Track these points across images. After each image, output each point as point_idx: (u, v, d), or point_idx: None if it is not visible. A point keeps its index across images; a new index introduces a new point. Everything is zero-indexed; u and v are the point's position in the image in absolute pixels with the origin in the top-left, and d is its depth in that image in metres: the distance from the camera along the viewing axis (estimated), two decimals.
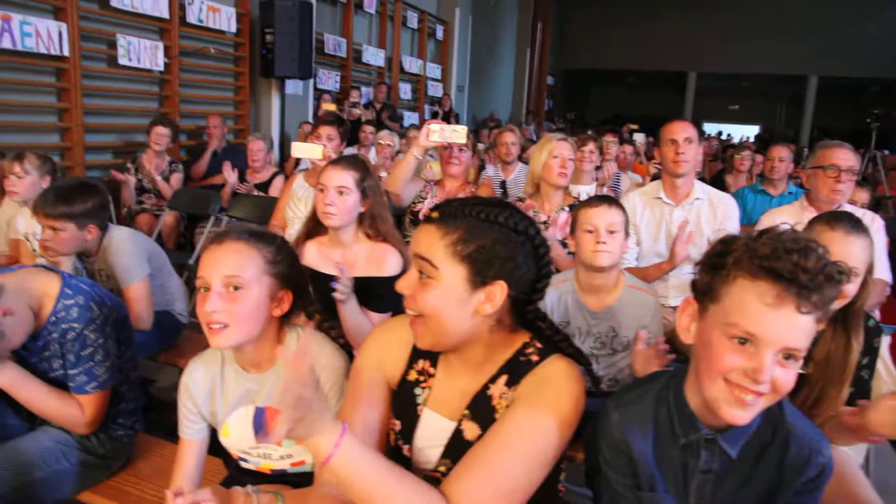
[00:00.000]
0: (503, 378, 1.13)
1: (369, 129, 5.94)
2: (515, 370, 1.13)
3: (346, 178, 2.03)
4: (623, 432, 1.05)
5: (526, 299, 1.13)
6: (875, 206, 7.15)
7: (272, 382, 1.41)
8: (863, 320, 1.67)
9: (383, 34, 9.35)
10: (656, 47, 17.44)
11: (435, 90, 10.79)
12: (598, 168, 4.02)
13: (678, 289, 2.63)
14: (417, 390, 1.21)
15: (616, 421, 1.06)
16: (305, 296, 1.44)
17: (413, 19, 10.03)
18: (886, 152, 8.70)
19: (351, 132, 7.10)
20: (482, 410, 1.13)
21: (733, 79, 19.44)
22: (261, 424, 1.43)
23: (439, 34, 10.99)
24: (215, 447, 1.53)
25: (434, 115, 10.08)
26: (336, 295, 1.86)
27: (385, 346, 1.24)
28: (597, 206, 1.94)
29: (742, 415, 0.94)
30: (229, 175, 4.43)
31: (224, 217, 4.06)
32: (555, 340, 1.16)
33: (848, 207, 2.69)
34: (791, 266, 0.88)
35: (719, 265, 0.95)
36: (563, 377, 1.09)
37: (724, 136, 18.32)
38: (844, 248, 1.56)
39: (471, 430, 1.13)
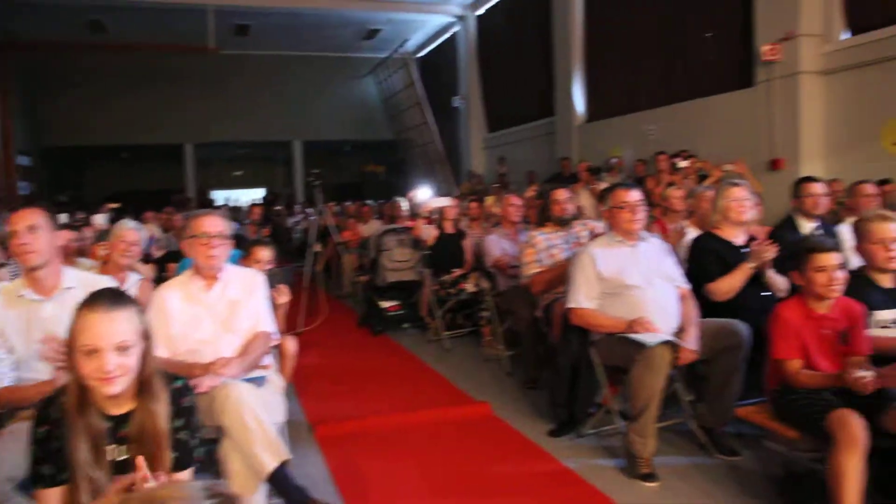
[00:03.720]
0: None
1: None
2: None
3: None
4: None
5: None
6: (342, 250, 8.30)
7: None
8: (164, 384, 1.70)
9: None
10: (148, 121, 17.03)
11: None
12: None
13: None
14: None
15: None
16: None
17: None
18: (349, 202, 10.16)
19: None
20: None
21: (231, 147, 20.33)
22: None
23: None
24: None
25: None
26: None
27: None
28: None
29: None
30: None
31: None
32: None
33: (234, 269, 2.86)
34: None
35: None
36: None
37: (230, 202, 19.06)
38: (106, 325, 1.56)
39: None
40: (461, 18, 14.56)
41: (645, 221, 3.30)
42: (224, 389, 2.21)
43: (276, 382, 2.76)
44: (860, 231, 2.82)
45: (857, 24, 6.71)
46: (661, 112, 8.96)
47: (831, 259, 2.56)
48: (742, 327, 3.08)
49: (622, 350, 3.02)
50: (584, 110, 10.66)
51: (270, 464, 2.16)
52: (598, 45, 10.28)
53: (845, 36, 6.81)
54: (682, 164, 6.77)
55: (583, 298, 3.20)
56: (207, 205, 16.46)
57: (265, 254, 3.47)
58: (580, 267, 3.23)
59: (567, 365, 3.38)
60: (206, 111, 17.27)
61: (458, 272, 5.49)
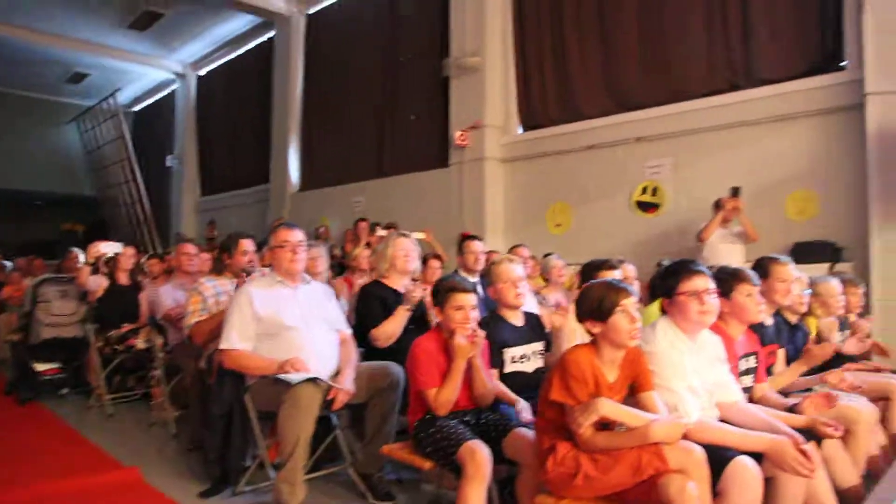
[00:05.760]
0: None
1: None
2: None
3: None
4: None
5: None
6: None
7: None
8: None
9: None
10: None
11: None
12: None
13: None
14: None
15: None
16: None
17: None
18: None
19: None
20: None
21: None
22: None
23: None
24: None
25: None
26: None
27: None
28: None
29: None
30: None
31: None
32: None
33: None
34: None
35: None
36: None
37: None
38: None
39: None
40: (181, 76, 13.96)
41: (305, 263, 3.25)
42: None
43: None
44: (493, 274, 3.10)
45: (528, 122, 7.81)
46: (370, 185, 9.37)
47: (468, 299, 2.74)
48: (396, 368, 3.15)
49: (274, 392, 2.88)
50: (298, 179, 10.75)
51: None
52: (315, 118, 10.54)
53: (520, 131, 7.86)
54: (382, 232, 7.06)
55: (236, 339, 3.01)
56: None
57: None
58: (237, 306, 3.07)
59: (220, 414, 3.13)
60: None
61: (127, 327, 4.93)
